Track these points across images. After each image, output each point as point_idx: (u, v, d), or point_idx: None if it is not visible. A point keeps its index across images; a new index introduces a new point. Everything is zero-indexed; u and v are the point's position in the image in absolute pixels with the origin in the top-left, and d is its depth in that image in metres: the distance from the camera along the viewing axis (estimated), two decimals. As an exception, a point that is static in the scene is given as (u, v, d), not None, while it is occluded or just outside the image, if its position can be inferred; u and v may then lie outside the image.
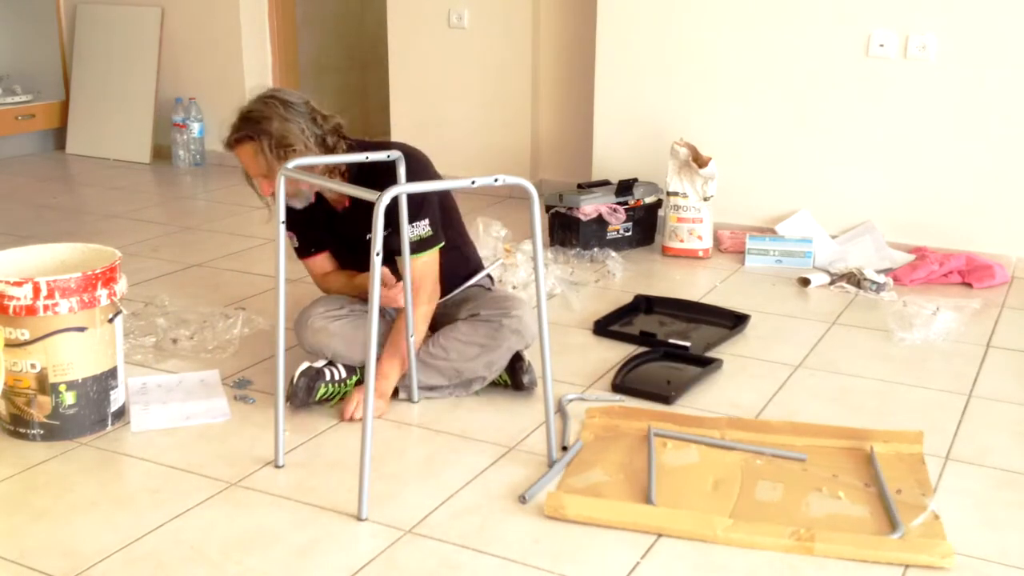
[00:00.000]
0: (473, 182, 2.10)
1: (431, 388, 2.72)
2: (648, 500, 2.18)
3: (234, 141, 2.60)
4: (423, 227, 2.63)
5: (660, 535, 2.07)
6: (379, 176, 2.54)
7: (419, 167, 2.64)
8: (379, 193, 2.02)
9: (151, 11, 5.84)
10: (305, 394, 2.61)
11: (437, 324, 2.80)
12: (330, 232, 2.81)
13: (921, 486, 2.25)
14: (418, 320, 2.66)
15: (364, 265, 2.72)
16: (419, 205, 2.62)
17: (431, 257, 2.67)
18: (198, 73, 5.83)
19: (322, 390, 2.63)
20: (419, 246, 2.63)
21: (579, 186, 4.24)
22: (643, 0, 4.31)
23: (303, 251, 2.85)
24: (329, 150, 2.61)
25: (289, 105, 2.58)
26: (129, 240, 4.22)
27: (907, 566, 1.97)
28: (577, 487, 2.24)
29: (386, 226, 2.46)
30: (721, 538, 2.04)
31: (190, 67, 5.84)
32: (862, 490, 2.24)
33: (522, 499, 2.20)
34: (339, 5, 6.42)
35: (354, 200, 2.68)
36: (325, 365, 2.68)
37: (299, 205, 2.67)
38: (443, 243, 2.70)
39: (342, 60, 6.44)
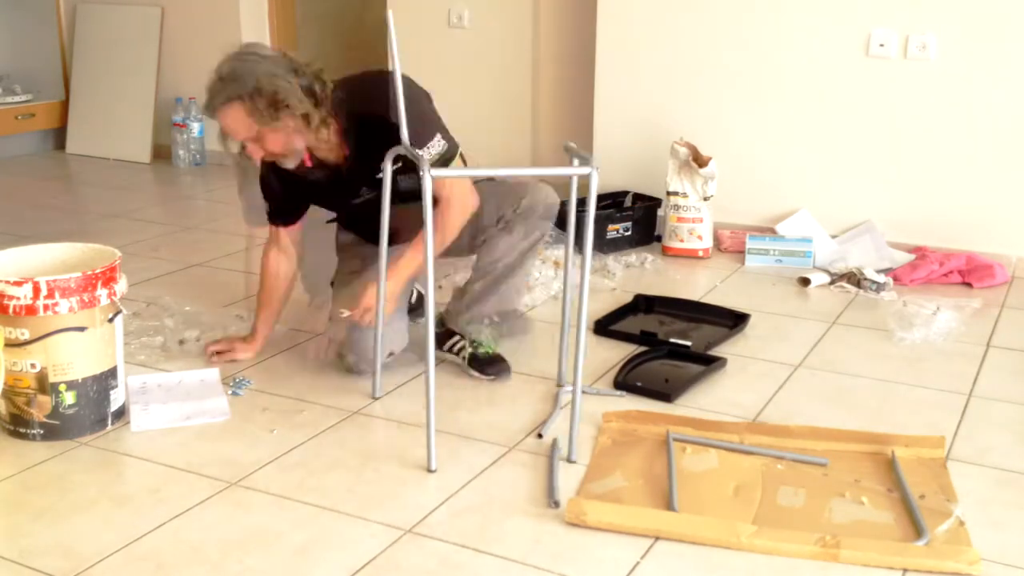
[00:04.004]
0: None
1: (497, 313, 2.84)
2: (670, 506, 2.17)
3: (220, 104, 2.43)
4: (437, 144, 2.52)
5: (682, 542, 2.05)
6: (374, 129, 2.50)
7: (412, 98, 2.44)
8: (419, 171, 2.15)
9: (151, 11, 5.84)
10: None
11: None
12: (329, 198, 2.77)
13: (944, 491, 2.24)
14: (452, 229, 2.61)
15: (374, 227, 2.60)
16: (422, 124, 2.47)
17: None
18: (198, 73, 5.74)
19: None
20: (441, 163, 2.54)
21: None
22: (643, 0, 4.31)
23: (273, 218, 2.81)
24: (317, 98, 2.48)
25: (269, 59, 2.45)
26: (129, 240, 4.22)
27: (933, 573, 1.96)
28: (597, 493, 2.23)
29: (395, 163, 2.43)
30: (746, 545, 2.02)
31: (190, 67, 5.83)
32: (885, 496, 2.23)
33: (554, 505, 2.19)
34: (339, 5, 6.42)
35: (355, 157, 2.60)
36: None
37: (291, 164, 2.54)
38: (459, 147, 2.61)
39: (342, 60, 6.44)
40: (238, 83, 2.42)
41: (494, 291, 2.84)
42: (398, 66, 2.28)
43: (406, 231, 2.65)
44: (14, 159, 5.93)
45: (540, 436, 2.49)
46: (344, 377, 2.83)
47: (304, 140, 2.51)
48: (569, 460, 2.39)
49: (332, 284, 2.97)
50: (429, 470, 2.33)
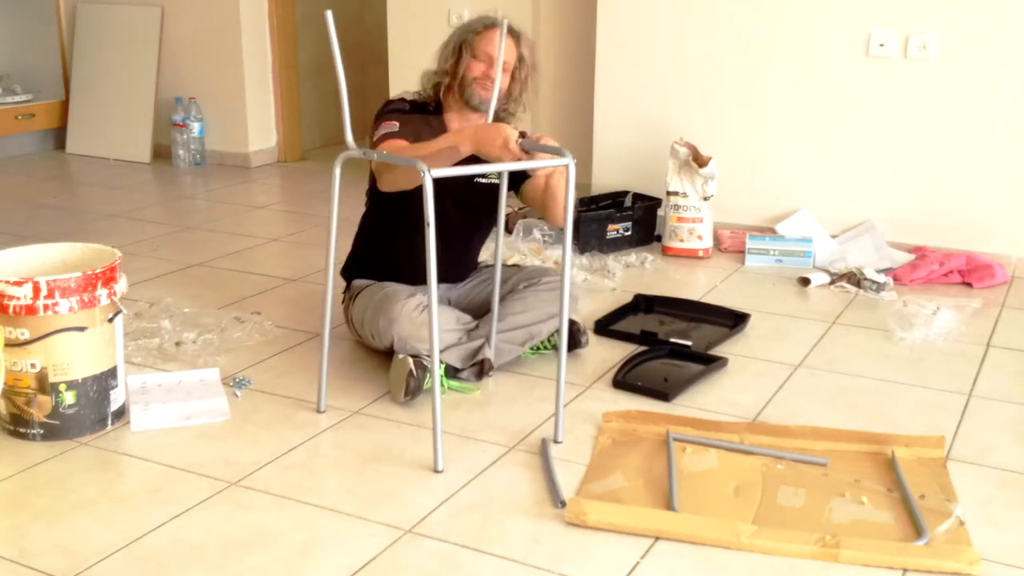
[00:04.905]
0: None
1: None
2: (670, 506, 2.17)
3: (509, 29, 2.76)
4: None
5: (682, 542, 2.05)
6: None
7: None
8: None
9: (151, 11, 5.84)
10: (418, 387, 2.64)
11: (475, 308, 2.95)
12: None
13: (944, 491, 2.24)
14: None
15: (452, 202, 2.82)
16: None
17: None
18: (198, 73, 5.83)
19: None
20: None
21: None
22: (643, 0, 4.31)
23: (395, 136, 2.70)
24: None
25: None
26: (129, 240, 4.22)
27: (933, 573, 1.96)
28: (597, 493, 2.23)
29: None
30: (746, 545, 2.02)
31: (190, 67, 5.84)
32: (885, 495, 2.23)
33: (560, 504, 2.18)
34: (339, 5, 6.41)
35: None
36: (415, 357, 2.67)
37: (484, 95, 2.76)
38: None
39: (342, 60, 6.44)
40: (525, 40, 2.86)
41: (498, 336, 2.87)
42: (340, 64, 2.48)
43: (457, 239, 2.90)
44: (14, 159, 5.93)
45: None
46: (343, 377, 2.83)
47: (515, 103, 2.85)
48: (556, 441, 2.44)
49: (355, 299, 2.96)
50: (436, 470, 2.33)
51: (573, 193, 2.39)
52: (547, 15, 4.90)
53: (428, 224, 2.20)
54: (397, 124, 2.71)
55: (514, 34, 2.82)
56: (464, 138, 2.43)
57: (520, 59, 2.84)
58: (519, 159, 2.38)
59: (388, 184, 2.67)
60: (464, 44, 2.80)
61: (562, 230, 2.47)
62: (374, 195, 2.96)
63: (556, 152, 2.44)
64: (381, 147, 2.62)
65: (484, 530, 2.10)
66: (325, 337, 2.60)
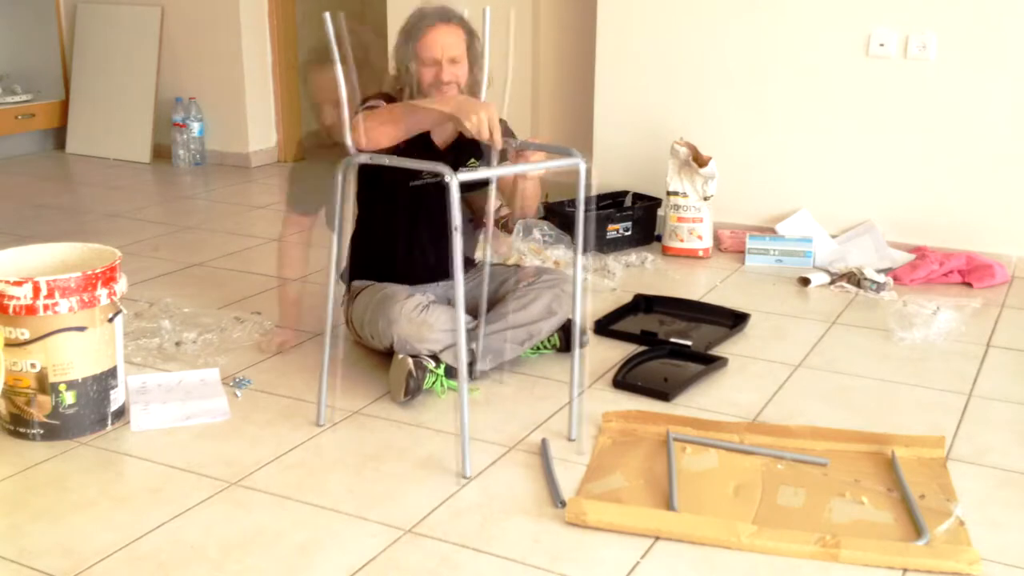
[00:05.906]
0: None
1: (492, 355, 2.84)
2: (670, 506, 2.17)
3: (448, 18, 2.71)
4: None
5: (682, 541, 2.06)
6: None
7: None
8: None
9: (151, 11, 5.84)
10: (417, 387, 2.66)
11: (475, 308, 2.91)
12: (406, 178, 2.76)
13: (944, 491, 2.24)
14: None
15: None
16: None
17: None
18: (198, 73, 5.82)
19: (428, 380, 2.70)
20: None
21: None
22: (643, 0, 4.31)
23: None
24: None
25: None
26: (129, 240, 4.22)
27: (933, 573, 1.96)
28: (597, 493, 2.23)
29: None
30: (746, 545, 2.03)
31: (190, 67, 5.84)
32: (885, 495, 2.24)
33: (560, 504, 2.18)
34: (339, 5, 6.42)
35: (457, 143, 2.82)
36: (415, 357, 2.69)
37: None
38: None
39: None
40: (464, 19, 2.75)
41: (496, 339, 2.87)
42: (339, 66, 2.37)
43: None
44: (14, 159, 5.93)
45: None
46: (343, 378, 2.83)
47: (481, 73, 2.75)
48: (570, 439, 2.46)
49: (354, 300, 2.95)
50: (464, 476, 2.31)
51: (585, 193, 2.38)
52: (547, 15, 4.89)
53: (455, 229, 2.20)
54: (384, 103, 2.73)
55: (454, 18, 2.75)
56: (447, 101, 2.53)
57: (469, 40, 2.76)
58: (491, 141, 2.40)
59: (367, 137, 2.54)
60: (411, 52, 2.75)
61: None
62: (364, 196, 2.94)
63: (563, 152, 2.43)
64: (366, 112, 2.62)
65: (484, 530, 2.10)
66: (325, 354, 2.57)
